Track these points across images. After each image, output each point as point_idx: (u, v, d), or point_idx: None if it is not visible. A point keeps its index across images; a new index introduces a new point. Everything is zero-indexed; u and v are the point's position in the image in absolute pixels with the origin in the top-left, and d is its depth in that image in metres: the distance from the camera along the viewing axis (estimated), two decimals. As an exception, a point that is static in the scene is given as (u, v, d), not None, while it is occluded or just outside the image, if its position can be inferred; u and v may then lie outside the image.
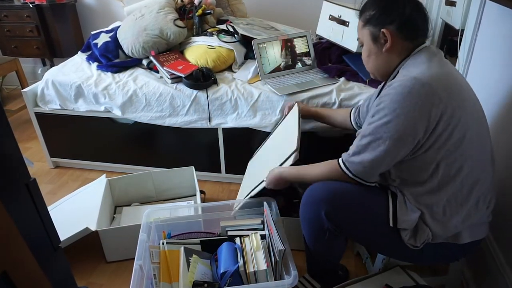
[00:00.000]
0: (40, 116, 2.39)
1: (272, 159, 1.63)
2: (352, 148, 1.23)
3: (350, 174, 1.23)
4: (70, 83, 2.26)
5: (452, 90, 1.12)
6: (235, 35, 2.36)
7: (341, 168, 1.24)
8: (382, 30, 1.19)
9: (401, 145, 1.13)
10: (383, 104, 1.13)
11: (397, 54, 1.22)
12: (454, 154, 1.14)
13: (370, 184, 1.25)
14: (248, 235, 1.49)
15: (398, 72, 1.22)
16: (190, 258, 1.43)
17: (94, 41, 2.49)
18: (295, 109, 1.77)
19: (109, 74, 2.31)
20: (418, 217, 1.20)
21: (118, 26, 2.52)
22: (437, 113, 1.09)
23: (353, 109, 1.68)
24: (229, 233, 1.55)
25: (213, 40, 2.31)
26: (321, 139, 2.10)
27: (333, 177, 1.28)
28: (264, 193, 1.59)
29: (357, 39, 1.30)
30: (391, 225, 1.21)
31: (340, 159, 1.26)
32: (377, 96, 1.33)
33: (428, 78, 1.10)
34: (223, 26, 2.44)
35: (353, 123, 1.66)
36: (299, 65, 2.22)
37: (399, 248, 1.26)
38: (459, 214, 1.19)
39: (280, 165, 1.49)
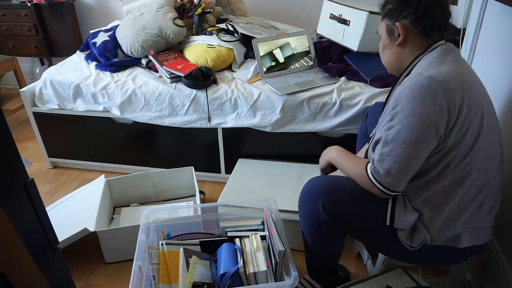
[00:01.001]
0: (38, 116, 2.39)
1: None
2: (375, 157, 1.16)
3: (378, 185, 1.15)
4: (69, 83, 2.26)
5: (467, 87, 1.09)
6: (235, 34, 2.36)
7: (368, 177, 1.17)
8: (396, 23, 1.18)
9: (425, 146, 1.10)
10: (400, 107, 1.09)
11: (410, 49, 1.20)
12: (465, 156, 1.12)
13: (398, 194, 1.17)
14: (248, 236, 1.49)
15: (411, 69, 1.20)
16: (189, 259, 1.43)
17: (93, 40, 2.49)
18: None
19: (107, 73, 2.30)
20: (416, 219, 1.19)
21: (117, 25, 2.51)
22: (455, 108, 1.07)
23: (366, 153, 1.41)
24: (229, 234, 1.55)
25: (213, 39, 2.31)
26: (321, 138, 2.09)
27: (363, 185, 1.21)
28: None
29: (376, 32, 1.31)
30: (388, 224, 1.20)
31: (368, 168, 1.18)
32: (386, 101, 1.31)
33: (444, 76, 1.07)
34: (223, 25, 2.44)
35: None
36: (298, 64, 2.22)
37: (395, 247, 1.24)
38: (461, 217, 1.18)
39: None
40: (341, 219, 1.26)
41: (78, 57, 2.52)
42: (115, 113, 2.25)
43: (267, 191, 1.90)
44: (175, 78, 2.16)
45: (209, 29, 2.43)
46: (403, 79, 1.22)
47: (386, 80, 1.99)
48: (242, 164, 2.16)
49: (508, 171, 1.42)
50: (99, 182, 2.06)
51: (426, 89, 1.06)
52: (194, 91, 2.10)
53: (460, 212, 1.17)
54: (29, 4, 3.12)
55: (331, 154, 1.40)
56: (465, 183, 1.14)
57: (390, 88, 1.38)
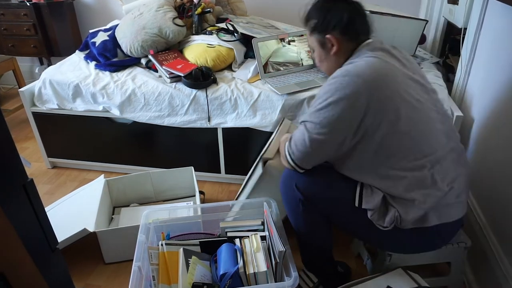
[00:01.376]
0: (38, 116, 2.39)
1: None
2: (292, 135, 1.31)
3: (289, 159, 1.31)
4: (68, 82, 2.26)
5: (382, 82, 1.16)
6: (235, 34, 2.36)
7: (285, 151, 1.32)
8: (327, 36, 1.28)
9: (333, 131, 1.20)
10: (318, 95, 1.23)
11: (343, 53, 1.30)
12: (390, 140, 1.18)
13: (300, 171, 1.32)
14: (248, 236, 1.49)
15: None
16: (189, 259, 1.43)
17: (92, 40, 2.49)
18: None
19: (107, 73, 2.30)
20: (382, 199, 1.25)
21: (117, 25, 2.51)
22: (364, 103, 1.15)
23: None
24: (229, 234, 1.55)
25: (213, 39, 2.31)
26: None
27: (283, 160, 1.36)
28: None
29: (308, 46, 1.39)
30: (356, 205, 1.27)
31: (287, 142, 1.32)
32: None
33: (359, 71, 1.16)
34: (222, 25, 2.44)
35: None
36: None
37: (368, 230, 1.30)
38: (417, 192, 1.21)
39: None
40: (314, 199, 1.34)
41: (78, 56, 2.53)
42: (115, 113, 2.25)
43: None
44: (174, 78, 2.16)
45: (209, 29, 2.43)
46: None
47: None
48: None
49: (508, 171, 1.43)
50: (99, 182, 2.06)
51: (340, 81, 1.17)
52: (194, 91, 2.10)
53: (414, 187, 1.21)
54: (28, 4, 3.12)
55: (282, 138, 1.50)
56: (397, 160, 1.21)
57: None
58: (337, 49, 1.29)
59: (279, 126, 1.85)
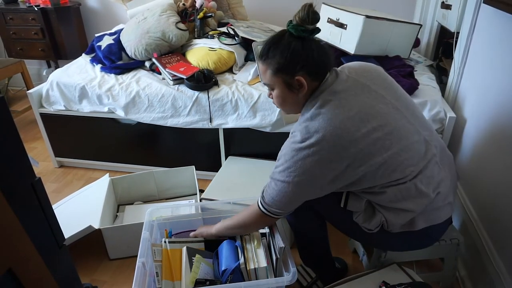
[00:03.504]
0: (45, 117, 2.42)
1: None
2: (264, 190, 1.26)
3: (266, 212, 1.26)
4: (75, 85, 2.29)
5: (347, 135, 1.10)
6: (236, 38, 2.38)
7: (259, 207, 1.27)
8: (297, 78, 1.16)
9: (305, 188, 1.17)
10: (282, 153, 1.17)
11: (309, 92, 1.20)
12: (369, 173, 1.14)
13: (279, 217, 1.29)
14: (249, 233, 1.50)
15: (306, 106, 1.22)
16: (193, 257, 1.43)
17: (98, 44, 2.52)
18: None
19: (112, 75, 2.33)
20: (367, 202, 1.24)
21: (122, 29, 2.54)
22: (341, 165, 1.11)
23: None
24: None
25: (214, 43, 2.33)
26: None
27: (255, 220, 1.32)
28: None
29: (264, 83, 1.27)
30: (342, 206, 1.26)
31: (259, 201, 1.27)
32: None
33: (328, 126, 1.10)
34: (224, 29, 2.46)
35: None
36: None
37: (354, 229, 1.29)
38: (403, 203, 1.19)
39: None
40: None
41: (84, 60, 2.55)
42: (120, 114, 2.28)
43: (252, 189, 1.94)
44: (177, 80, 2.19)
45: (210, 33, 2.46)
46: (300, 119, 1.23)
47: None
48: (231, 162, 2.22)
49: (499, 169, 1.45)
50: (104, 181, 2.08)
51: (307, 145, 1.10)
52: (196, 93, 2.13)
53: (398, 199, 1.19)
54: (36, 9, 3.15)
55: (211, 229, 1.47)
56: (383, 179, 1.17)
57: None
58: (306, 91, 1.18)
59: None
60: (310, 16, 1.12)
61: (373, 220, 1.24)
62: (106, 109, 2.30)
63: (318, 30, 1.16)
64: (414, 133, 1.18)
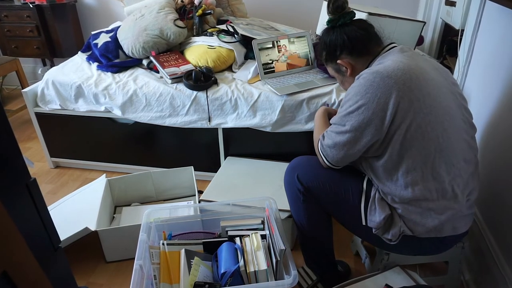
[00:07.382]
0: (40, 116, 2.40)
1: None
2: (325, 132, 1.33)
3: (322, 155, 1.33)
4: (70, 83, 2.27)
5: (413, 83, 1.16)
6: (235, 35, 2.37)
7: (318, 145, 1.35)
8: (338, 61, 1.35)
9: (363, 133, 1.20)
10: (348, 96, 1.24)
11: (360, 68, 1.33)
12: (415, 148, 1.17)
13: (337, 167, 1.35)
14: (249, 235, 1.49)
15: None
16: (191, 260, 1.43)
17: (94, 41, 2.50)
18: None
19: (109, 74, 2.32)
20: (390, 213, 1.24)
21: (118, 26, 2.53)
22: (395, 104, 1.15)
23: None
24: (229, 233, 1.55)
25: (213, 40, 2.32)
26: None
27: (316, 150, 1.39)
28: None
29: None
30: (363, 223, 1.30)
31: (321, 137, 1.34)
32: None
33: (389, 72, 1.17)
34: (223, 26, 2.45)
35: None
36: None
37: (367, 232, 1.31)
38: (435, 202, 1.20)
39: None
40: (314, 191, 1.37)
41: (80, 58, 2.54)
42: (117, 113, 2.26)
43: (252, 190, 1.94)
44: (176, 79, 2.17)
45: (209, 30, 2.45)
46: None
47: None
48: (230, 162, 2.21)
49: (506, 171, 1.43)
50: (100, 182, 2.07)
51: (370, 83, 1.18)
52: (195, 92, 2.11)
53: (429, 200, 1.20)
54: (31, 6, 3.13)
55: (317, 113, 1.53)
56: (426, 174, 1.18)
57: None
58: (351, 70, 1.34)
59: None
60: (331, 7, 1.32)
61: (391, 230, 1.24)
62: (102, 108, 2.28)
63: (347, 16, 1.32)
64: (464, 132, 1.24)
